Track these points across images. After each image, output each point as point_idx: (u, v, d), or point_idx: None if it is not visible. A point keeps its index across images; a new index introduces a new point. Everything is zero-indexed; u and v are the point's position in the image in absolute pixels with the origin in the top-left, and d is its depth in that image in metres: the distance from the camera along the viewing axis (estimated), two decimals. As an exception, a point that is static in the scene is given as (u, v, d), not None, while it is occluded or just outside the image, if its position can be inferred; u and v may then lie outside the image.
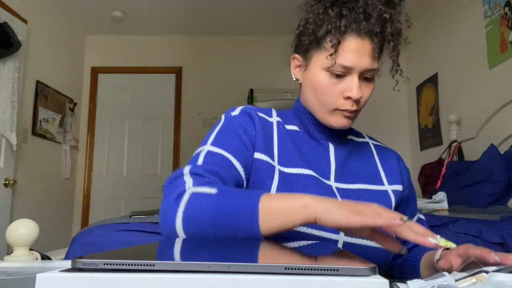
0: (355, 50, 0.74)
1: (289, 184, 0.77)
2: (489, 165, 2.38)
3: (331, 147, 0.86)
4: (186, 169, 0.69)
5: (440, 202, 2.02)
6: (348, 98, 0.77)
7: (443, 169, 2.88)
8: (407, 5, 0.81)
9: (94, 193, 4.22)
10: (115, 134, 4.34)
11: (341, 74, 0.76)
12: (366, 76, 0.78)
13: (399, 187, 0.87)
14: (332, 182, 0.81)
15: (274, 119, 0.86)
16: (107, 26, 4.21)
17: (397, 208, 0.88)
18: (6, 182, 2.91)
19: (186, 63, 4.41)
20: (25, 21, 3.16)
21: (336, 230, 0.71)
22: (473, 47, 3.05)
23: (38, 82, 3.45)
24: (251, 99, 4.08)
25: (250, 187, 0.78)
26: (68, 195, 4.05)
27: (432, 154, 3.57)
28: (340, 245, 0.75)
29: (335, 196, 0.79)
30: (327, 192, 0.79)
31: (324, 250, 0.54)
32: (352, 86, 0.76)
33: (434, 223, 1.54)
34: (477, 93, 3.01)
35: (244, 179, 0.75)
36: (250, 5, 3.80)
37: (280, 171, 0.78)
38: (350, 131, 0.93)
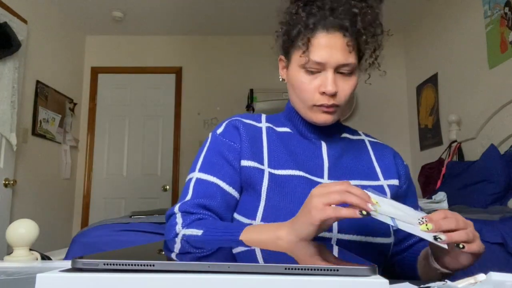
0: (326, 46, 0.76)
1: (280, 186, 0.79)
2: (489, 165, 2.38)
3: (324, 145, 0.87)
4: (177, 207, 0.78)
5: (440, 202, 2.02)
6: (324, 93, 0.79)
7: (443, 169, 2.88)
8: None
9: (94, 193, 4.22)
10: (115, 134, 4.34)
11: (316, 70, 0.78)
12: (343, 71, 0.78)
13: (395, 182, 0.87)
14: (325, 180, 0.82)
15: (264, 124, 0.89)
16: (107, 26, 4.21)
17: None
18: (6, 182, 2.91)
19: (186, 63, 4.41)
20: (25, 21, 3.16)
21: (329, 228, 0.76)
22: (473, 47, 3.05)
23: (38, 82, 3.45)
24: (251, 99, 4.08)
25: (243, 193, 0.83)
26: (68, 195, 4.05)
27: (432, 154, 3.57)
28: (333, 243, 0.76)
29: None
30: None
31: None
32: (326, 81, 0.78)
33: (434, 223, 1.54)
34: (477, 93, 3.01)
35: (236, 195, 0.82)
36: (250, 5, 3.80)
37: (270, 173, 0.80)
38: (345, 129, 0.94)
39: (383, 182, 0.86)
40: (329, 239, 0.76)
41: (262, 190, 0.79)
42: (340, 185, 0.60)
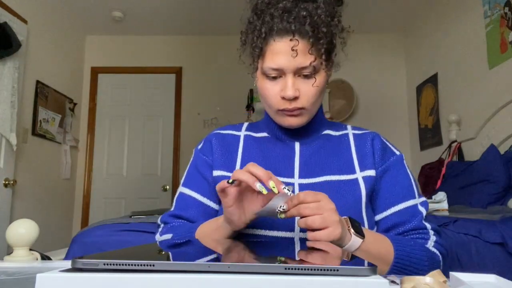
0: (280, 51, 0.77)
1: (248, 189, 0.77)
2: (489, 165, 2.38)
3: (297, 146, 0.89)
4: (159, 219, 0.92)
5: (440, 202, 2.02)
6: (284, 98, 0.79)
7: (443, 169, 2.88)
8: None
9: (94, 193, 4.22)
10: (115, 134, 4.34)
11: (276, 75, 0.79)
12: (304, 73, 0.78)
13: (371, 172, 0.84)
14: (296, 179, 0.84)
15: (243, 132, 0.94)
16: (107, 26, 4.21)
17: (371, 194, 0.84)
18: (6, 182, 2.90)
19: (186, 63, 4.41)
20: (25, 21, 3.16)
21: (291, 227, 0.80)
22: (473, 47, 3.05)
23: (38, 82, 3.45)
24: (251, 99, 4.08)
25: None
26: (68, 195, 4.05)
27: (432, 154, 3.57)
28: (296, 242, 0.78)
29: (295, 193, 0.77)
30: None
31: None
32: (285, 86, 0.78)
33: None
34: (477, 93, 3.01)
35: (212, 204, 0.89)
36: (250, 5, 3.80)
37: None
38: (328, 126, 0.93)
39: (358, 175, 0.84)
40: (291, 238, 0.78)
41: None
42: (246, 166, 0.66)
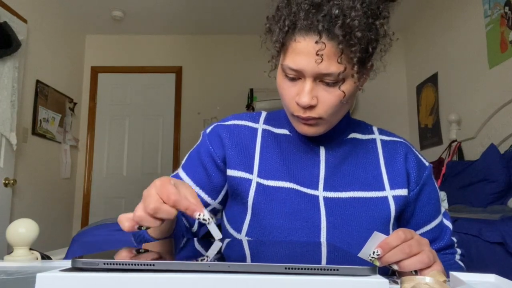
0: (301, 52, 0.65)
1: (267, 199, 0.74)
2: (489, 165, 2.38)
3: (322, 151, 0.79)
4: None
5: (440, 201, 2.02)
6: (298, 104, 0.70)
7: (443, 169, 2.88)
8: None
9: (94, 193, 4.22)
10: (115, 134, 4.34)
11: (295, 77, 0.69)
12: (326, 81, 0.67)
13: (403, 192, 0.77)
14: (320, 192, 0.75)
15: (260, 125, 0.83)
16: (107, 26, 4.21)
17: (401, 214, 0.80)
18: (6, 182, 2.90)
19: (186, 63, 4.41)
20: (25, 21, 3.16)
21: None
22: (473, 47, 3.05)
23: (38, 82, 3.45)
24: (251, 99, 4.08)
25: (233, 202, 0.80)
26: (68, 195, 4.05)
27: (432, 154, 3.57)
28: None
29: (319, 208, 0.74)
30: (311, 203, 0.74)
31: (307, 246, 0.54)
32: (301, 91, 0.68)
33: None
34: (477, 92, 3.01)
35: (206, 197, 0.80)
36: (250, 5, 3.80)
37: (258, 183, 0.76)
38: (355, 127, 0.84)
39: (388, 192, 0.76)
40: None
41: (249, 202, 0.75)
42: (146, 197, 0.57)
